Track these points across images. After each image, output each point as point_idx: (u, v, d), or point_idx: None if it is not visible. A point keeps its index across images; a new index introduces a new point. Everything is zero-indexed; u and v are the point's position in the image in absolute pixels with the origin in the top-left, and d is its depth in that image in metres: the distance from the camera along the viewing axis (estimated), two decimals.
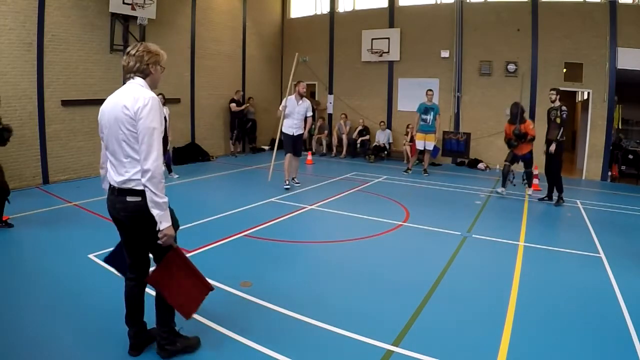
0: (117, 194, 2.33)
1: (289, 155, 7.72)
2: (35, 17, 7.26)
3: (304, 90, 7.84)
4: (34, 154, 7.50)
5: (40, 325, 2.96)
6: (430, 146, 9.53)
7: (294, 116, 7.65)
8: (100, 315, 3.11)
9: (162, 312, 2.55)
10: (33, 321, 3.02)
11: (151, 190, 2.21)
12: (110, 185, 2.40)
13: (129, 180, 2.28)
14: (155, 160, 2.21)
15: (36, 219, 5.54)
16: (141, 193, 2.26)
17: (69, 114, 7.99)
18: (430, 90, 9.59)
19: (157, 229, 2.25)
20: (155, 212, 2.23)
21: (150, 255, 2.57)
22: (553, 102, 6.88)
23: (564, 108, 6.75)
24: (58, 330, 2.91)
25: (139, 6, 8.58)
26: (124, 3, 8.36)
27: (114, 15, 8.42)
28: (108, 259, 2.82)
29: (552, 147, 6.76)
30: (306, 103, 7.76)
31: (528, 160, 7.55)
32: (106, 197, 2.47)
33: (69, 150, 8.07)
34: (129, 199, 2.30)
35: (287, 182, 7.76)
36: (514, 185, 7.82)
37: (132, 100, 2.24)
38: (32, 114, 7.40)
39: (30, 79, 7.32)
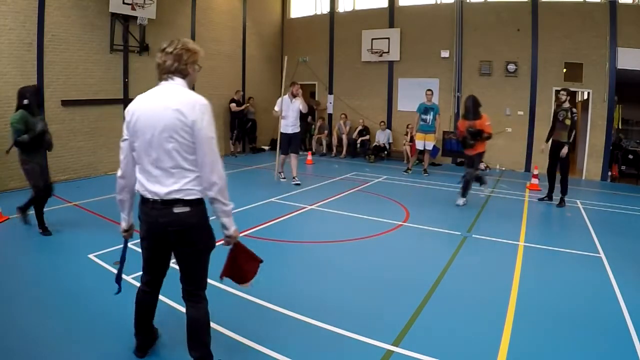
0: (161, 206, 2.11)
1: (283, 156, 8.14)
2: (35, 17, 7.26)
3: (297, 91, 7.97)
4: None
5: (39, 326, 2.96)
6: (430, 146, 9.52)
7: (289, 114, 7.92)
8: (101, 316, 3.11)
9: (202, 340, 2.34)
10: (33, 321, 3.02)
11: (221, 202, 2.13)
12: (147, 198, 2.15)
13: (178, 190, 2.09)
14: (220, 170, 2.11)
15: (36, 219, 5.53)
16: (190, 203, 2.12)
17: (69, 114, 7.99)
18: (430, 90, 9.58)
19: (227, 234, 2.23)
20: (224, 220, 2.18)
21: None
22: (563, 102, 6.79)
23: (574, 110, 6.72)
24: (58, 331, 2.92)
25: (139, 6, 8.58)
26: (124, 3, 8.37)
27: (114, 15, 8.43)
28: (119, 280, 2.67)
29: (565, 150, 6.67)
30: (298, 101, 7.97)
31: (473, 161, 6.88)
32: (141, 212, 2.22)
33: (69, 150, 8.06)
34: (176, 210, 2.10)
35: (282, 174, 8.32)
36: (486, 183, 7.20)
37: (188, 107, 2.05)
38: None
39: (30, 79, 7.30)
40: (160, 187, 2.10)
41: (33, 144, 4.71)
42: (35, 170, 4.82)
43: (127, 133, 2.17)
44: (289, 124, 7.95)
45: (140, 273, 2.53)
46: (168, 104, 2.05)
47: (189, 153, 2.07)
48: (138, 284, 2.58)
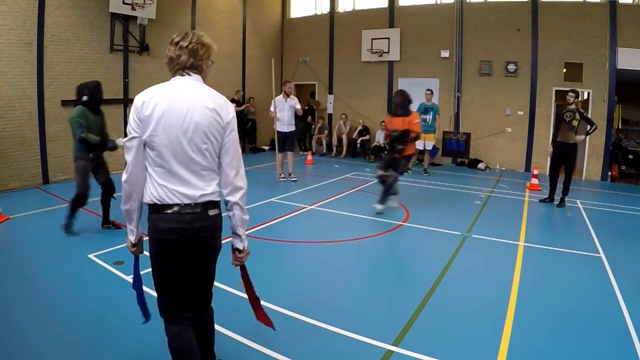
0: (196, 210, 1.91)
1: (281, 154, 8.26)
2: (35, 17, 7.26)
3: (290, 90, 8.15)
4: (34, 154, 7.50)
5: (39, 326, 2.97)
6: (429, 146, 9.54)
7: (284, 114, 8.06)
8: (101, 316, 3.11)
9: (207, 346, 2.22)
10: (32, 321, 3.02)
11: (242, 208, 2.01)
12: (176, 203, 1.89)
13: (211, 193, 1.96)
14: (244, 175, 2.04)
15: (36, 219, 5.54)
16: (218, 205, 2.01)
17: (69, 114, 7.97)
18: (429, 90, 9.60)
19: (240, 248, 2.07)
20: (241, 231, 2.05)
21: None
22: (570, 104, 6.76)
23: (581, 110, 6.75)
24: (57, 331, 2.91)
25: (139, 6, 8.58)
26: (124, 3, 8.37)
27: (114, 15, 8.43)
28: (140, 301, 2.31)
29: (581, 137, 6.66)
30: (293, 100, 8.14)
31: (398, 164, 6.24)
32: (163, 221, 1.89)
33: (69, 150, 7.98)
34: (210, 212, 1.96)
35: (282, 175, 8.35)
36: (396, 194, 6.44)
37: (223, 108, 1.96)
38: (32, 114, 7.40)
39: (30, 79, 7.32)
40: (192, 190, 1.91)
41: (95, 145, 4.67)
42: (85, 171, 4.75)
43: (139, 129, 1.87)
44: (284, 123, 8.11)
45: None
46: (202, 102, 1.91)
47: (216, 155, 1.97)
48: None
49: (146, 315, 2.31)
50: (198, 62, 1.98)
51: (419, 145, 9.69)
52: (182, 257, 1.95)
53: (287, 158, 8.25)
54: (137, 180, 1.93)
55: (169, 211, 1.89)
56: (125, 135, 1.98)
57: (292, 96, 8.17)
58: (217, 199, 1.99)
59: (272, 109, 8.12)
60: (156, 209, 1.91)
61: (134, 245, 2.10)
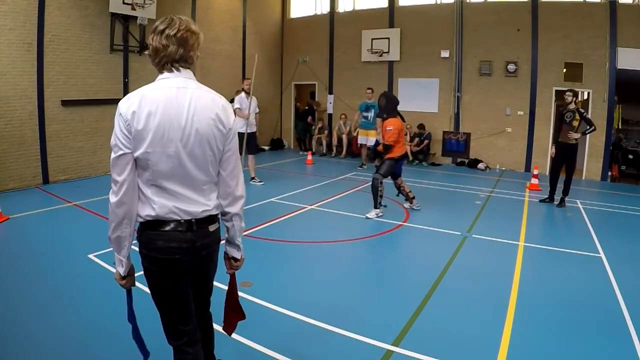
0: (197, 227, 1.74)
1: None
2: (35, 17, 7.26)
3: (247, 87, 7.75)
4: (34, 154, 7.49)
5: (38, 326, 2.97)
6: (371, 142, 9.90)
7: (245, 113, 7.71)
8: (100, 316, 3.11)
9: (208, 350, 2.14)
10: (31, 321, 3.02)
11: (241, 218, 1.89)
12: (176, 220, 1.71)
13: (212, 208, 1.80)
14: (243, 183, 1.90)
15: (36, 219, 5.54)
16: (217, 218, 1.86)
17: (69, 114, 7.99)
18: (370, 88, 10.16)
19: (238, 257, 1.96)
20: (240, 240, 1.94)
21: None
22: (569, 103, 6.76)
23: (581, 110, 6.77)
24: (57, 332, 2.91)
25: (139, 6, 8.58)
26: (124, 3, 8.37)
27: (114, 15, 8.43)
28: (136, 336, 2.01)
29: (576, 135, 6.62)
30: (254, 100, 7.79)
31: (380, 165, 6.16)
32: (161, 241, 1.71)
33: (69, 150, 8.06)
34: (211, 228, 1.81)
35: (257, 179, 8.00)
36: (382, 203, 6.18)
37: (224, 112, 1.75)
38: (32, 114, 7.40)
39: (30, 79, 7.31)
40: (194, 206, 1.73)
41: None
42: None
43: (131, 145, 1.64)
44: (247, 123, 7.70)
45: None
46: (202, 109, 1.69)
47: (217, 165, 1.80)
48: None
49: (144, 352, 2.03)
50: (188, 53, 1.74)
51: (361, 140, 10.35)
52: (184, 275, 1.80)
53: (250, 160, 7.94)
54: (132, 201, 1.68)
55: (167, 228, 1.70)
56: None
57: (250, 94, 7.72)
58: (217, 212, 1.85)
59: (236, 105, 7.65)
60: (150, 226, 1.72)
61: (123, 277, 1.85)
